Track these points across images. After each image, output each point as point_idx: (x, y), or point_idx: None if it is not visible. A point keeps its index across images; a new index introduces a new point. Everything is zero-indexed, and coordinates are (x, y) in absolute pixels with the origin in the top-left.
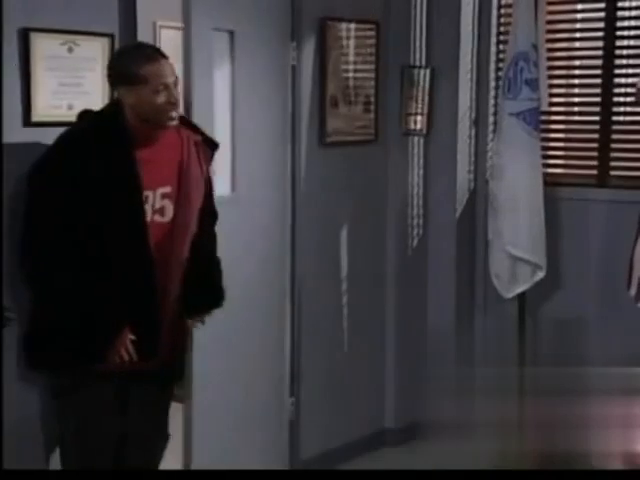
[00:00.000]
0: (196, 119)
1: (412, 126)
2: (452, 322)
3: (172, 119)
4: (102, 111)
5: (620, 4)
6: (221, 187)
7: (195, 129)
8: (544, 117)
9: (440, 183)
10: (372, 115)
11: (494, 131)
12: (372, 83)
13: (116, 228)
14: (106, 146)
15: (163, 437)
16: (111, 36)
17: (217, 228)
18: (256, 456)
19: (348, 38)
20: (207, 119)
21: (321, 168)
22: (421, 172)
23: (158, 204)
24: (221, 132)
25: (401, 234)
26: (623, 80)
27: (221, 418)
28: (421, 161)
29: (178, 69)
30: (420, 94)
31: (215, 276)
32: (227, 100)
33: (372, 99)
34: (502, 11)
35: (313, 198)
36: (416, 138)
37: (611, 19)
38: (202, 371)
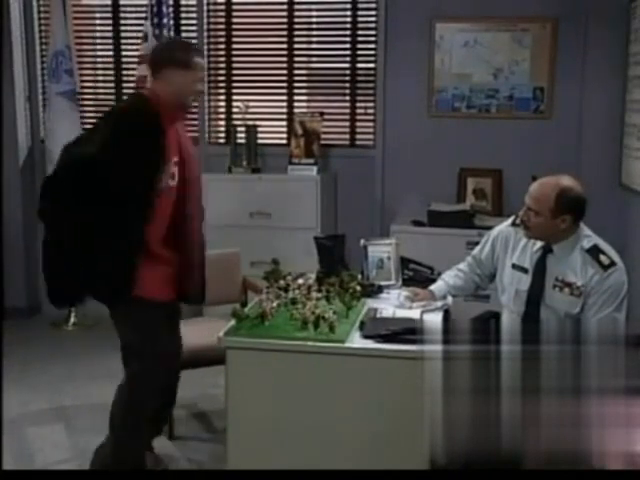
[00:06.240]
0: None
1: None
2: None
3: (192, 105)
4: (134, 99)
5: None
6: None
7: None
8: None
9: (7, 139)
10: None
11: (44, 105)
12: None
13: (138, 193)
14: (145, 126)
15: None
16: None
17: None
18: None
19: None
20: None
21: None
22: None
23: (171, 170)
24: None
25: None
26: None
27: None
28: None
29: None
30: None
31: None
32: None
33: None
34: (42, 20)
35: None
36: None
37: None
38: None
